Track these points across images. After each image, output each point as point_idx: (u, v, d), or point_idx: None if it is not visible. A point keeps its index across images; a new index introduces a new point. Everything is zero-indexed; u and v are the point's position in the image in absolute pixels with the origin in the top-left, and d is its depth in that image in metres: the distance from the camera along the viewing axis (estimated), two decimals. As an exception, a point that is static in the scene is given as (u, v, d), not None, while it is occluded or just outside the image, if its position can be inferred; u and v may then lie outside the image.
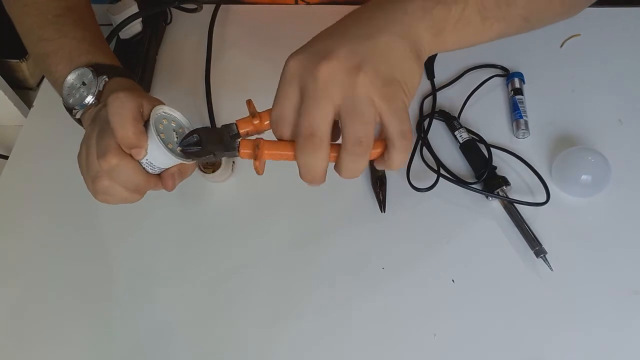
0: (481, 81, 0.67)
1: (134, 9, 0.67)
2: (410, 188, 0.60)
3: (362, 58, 0.37)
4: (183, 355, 0.54)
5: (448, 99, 0.67)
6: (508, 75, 0.68)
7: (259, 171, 0.40)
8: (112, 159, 0.42)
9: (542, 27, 0.48)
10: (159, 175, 0.46)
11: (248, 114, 0.43)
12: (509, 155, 0.62)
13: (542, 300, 0.54)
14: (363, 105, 0.37)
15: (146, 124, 0.43)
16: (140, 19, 0.70)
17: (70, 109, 0.51)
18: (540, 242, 0.56)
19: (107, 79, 0.51)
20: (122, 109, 0.42)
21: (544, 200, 0.58)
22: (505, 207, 0.59)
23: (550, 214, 0.58)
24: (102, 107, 0.47)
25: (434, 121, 0.65)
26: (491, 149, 0.62)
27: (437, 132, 0.65)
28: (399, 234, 0.59)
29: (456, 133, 0.63)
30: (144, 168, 0.44)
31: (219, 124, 0.67)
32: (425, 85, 0.68)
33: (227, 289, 0.57)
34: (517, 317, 0.54)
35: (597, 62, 0.69)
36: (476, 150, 0.62)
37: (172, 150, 0.43)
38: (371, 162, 0.41)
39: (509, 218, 0.58)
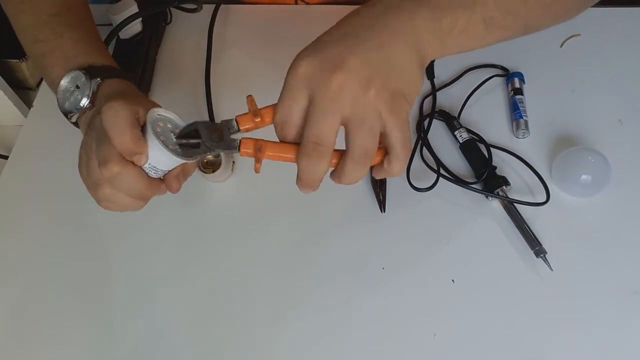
0: (481, 81, 0.67)
1: (134, 9, 0.67)
2: (410, 188, 0.60)
3: (374, 70, 0.38)
4: (183, 355, 0.54)
5: (448, 99, 0.67)
6: (508, 75, 0.68)
7: (258, 171, 0.40)
8: (113, 167, 0.41)
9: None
10: (161, 179, 0.46)
11: (248, 110, 0.42)
12: (509, 155, 0.62)
13: (542, 300, 0.54)
14: (372, 118, 0.38)
15: (143, 128, 0.43)
16: (140, 19, 0.70)
17: (66, 113, 0.51)
18: (540, 242, 0.56)
19: (100, 81, 0.50)
20: (117, 118, 0.41)
21: (544, 200, 0.58)
22: (505, 207, 0.59)
23: (550, 214, 0.58)
24: (96, 114, 0.46)
25: (434, 121, 0.65)
26: (491, 148, 0.62)
27: (437, 132, 0.65)
28: (399, 234, 0.59)
29: (456, 133, 0.63)
30: (146, 173, 0.44)
31: (218, 123, 0.67)
32: (425, 85, 0.68)
33: (227, 289, 0.57)
34: (517, 317, 0.54)
35: (597, 62, 0.69)
36: (476, 150, 0.62)
37: (173, 151, 0.42)
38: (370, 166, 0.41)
39: (509, 218, 0.58)
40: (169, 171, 0.46)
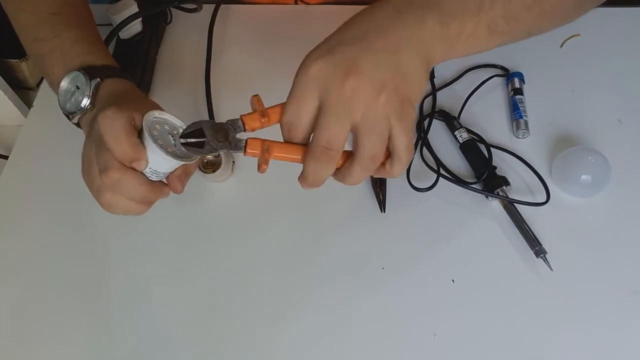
0: (481, 81, 0.67)
1: (134, 9, 0.67)
2: (410, 188, 0.60)
3: (385, 76, 0.38)
4: (183, 355, 0.54)
5: (448, 98, 0.67)
6: (508, 75, 0.68)
7: (264, 171, 0.40)
8: (113, 173, 0.42)
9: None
10: (163, 182, 0.46)
11: (250, 110, 0.42)
12: (509, 155, 0.62)
13: (542, 300, 0.54)
14: (381, 124, 0.38)
15: (141, 133, 0.42)
16: (140, 19, 0.70)
17: (67, 115, 0.51)
18: (540, 242, 0.56)
19: (99, 81, 0.50)
20: (113, 127, 0.41)
21: (544, 200, 0.58)
22: (505, 207, 0.59)
23: (550, 214, 0.58)
24: (95, 117, 0.46)
25: (434, 121, 0.65)
26: (491, 148, 0.62)
27: (437, 132, 0.65)
28: (399, 234, 0.59)
29: (456, 133, 0.63)
30: (148, 177, 0.44)
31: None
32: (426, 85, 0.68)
33: (227, 289, 0.57)
34: (517, 317, 0.54)
35: (597, 62, 0.69)
36: (476, 150, 0.62)
37: (172, 154, 0.42)
38: None
39: (509, 218, 0.58)
40: (170, 173, 0.45)
